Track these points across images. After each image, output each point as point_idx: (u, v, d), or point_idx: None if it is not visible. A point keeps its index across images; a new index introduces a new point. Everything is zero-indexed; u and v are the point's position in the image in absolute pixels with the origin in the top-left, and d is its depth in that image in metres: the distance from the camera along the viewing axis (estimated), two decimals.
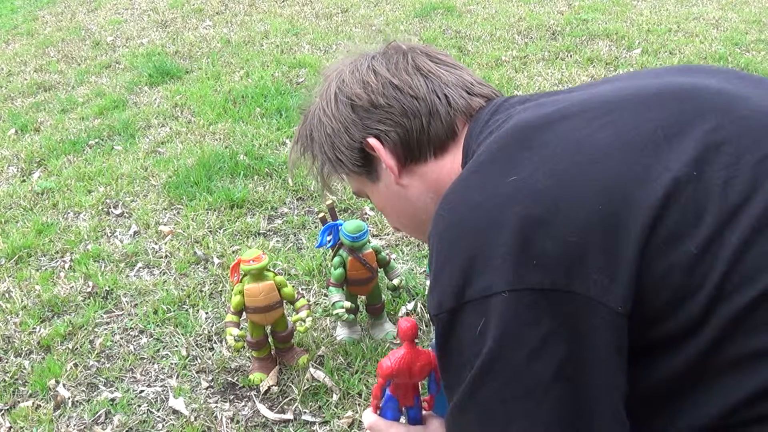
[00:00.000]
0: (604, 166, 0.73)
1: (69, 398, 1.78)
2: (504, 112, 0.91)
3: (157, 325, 2.02)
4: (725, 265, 0.69)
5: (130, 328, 2.03)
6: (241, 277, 1.73)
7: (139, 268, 2.32)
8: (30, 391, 1.82)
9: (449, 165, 0.97)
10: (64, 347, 1.96)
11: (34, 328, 2.05)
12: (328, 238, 1.85)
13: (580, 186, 0.72)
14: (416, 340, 1.06)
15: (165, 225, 2.54)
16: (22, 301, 2.16)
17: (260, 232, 2.45)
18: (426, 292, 2.01)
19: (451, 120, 0.97)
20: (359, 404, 1.68)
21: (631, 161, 0.73)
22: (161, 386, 1.81)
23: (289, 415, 1.68)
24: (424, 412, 1.19)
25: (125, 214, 2.66)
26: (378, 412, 1.41)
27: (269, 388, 1.76)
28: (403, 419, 1.20)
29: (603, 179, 0.72)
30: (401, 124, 0.97)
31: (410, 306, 2.00)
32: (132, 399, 1.77)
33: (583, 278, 0.69)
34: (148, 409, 1.74)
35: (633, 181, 0.71)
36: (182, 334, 1.97)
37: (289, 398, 1.73)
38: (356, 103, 0.99)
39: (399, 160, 0.99)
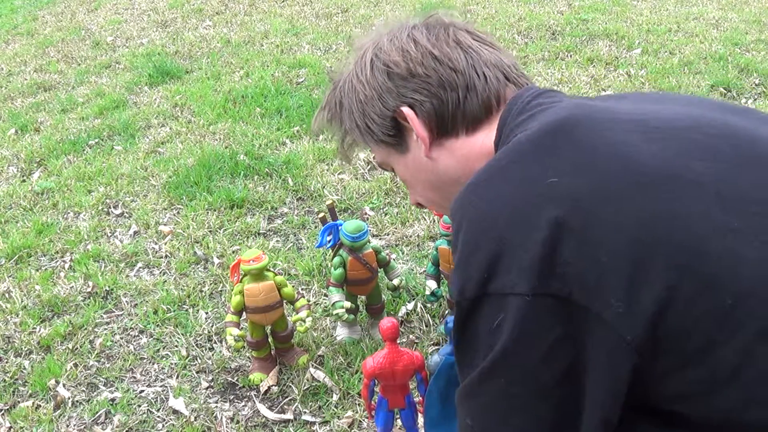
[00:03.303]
0: (654, 196, 0.71)
1: (69, 398, 1.78)
2: (550, 97, 0.90)
3: (157, 325, 2.02)
4: (759, 321, 0.66)
5: (130, 328, 2.03)
6: (241, 277, 1.73)
7: (139, 268, 2.32)
8: (30, 391, 1.82)
9: (480, 143, 0.96)
10: (64, 347, 1.96)
11: (34, 328, 2.06)
12: (328, 238, 1.85)
13: (624, 209, 0.70)
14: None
15: (165, 225, 2.54)
16: (22, 301, 2.16)
17: (260, 232, 2.45)
18: (426, 292, 2.01)
19: (487, 98, 0.95)
20: (359, 404, 1.67)
21: (679, 201, 0.71)
22: (161, 386, 1.81)
23: (289, 415, 1.68)
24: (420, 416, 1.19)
25: (125, 214, 2.66)
26: (372, 414, 1.41)
27: (269, 388, 1.76)
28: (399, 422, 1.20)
29: (652, 211, 0.70)
30: (437, 96, 0.95)
31: (410, 306, 2.00)
32: (132, 399, 1.77)
33: (601, 299, 0.68)
34: (148, 409, 1.74)
35: (678, 222, 0.69)
36: (182, 334, 1.97)
37: (289, 398, 1.73)
38: (393, 70, 0.97)
39: (431, 132, 0.97)
